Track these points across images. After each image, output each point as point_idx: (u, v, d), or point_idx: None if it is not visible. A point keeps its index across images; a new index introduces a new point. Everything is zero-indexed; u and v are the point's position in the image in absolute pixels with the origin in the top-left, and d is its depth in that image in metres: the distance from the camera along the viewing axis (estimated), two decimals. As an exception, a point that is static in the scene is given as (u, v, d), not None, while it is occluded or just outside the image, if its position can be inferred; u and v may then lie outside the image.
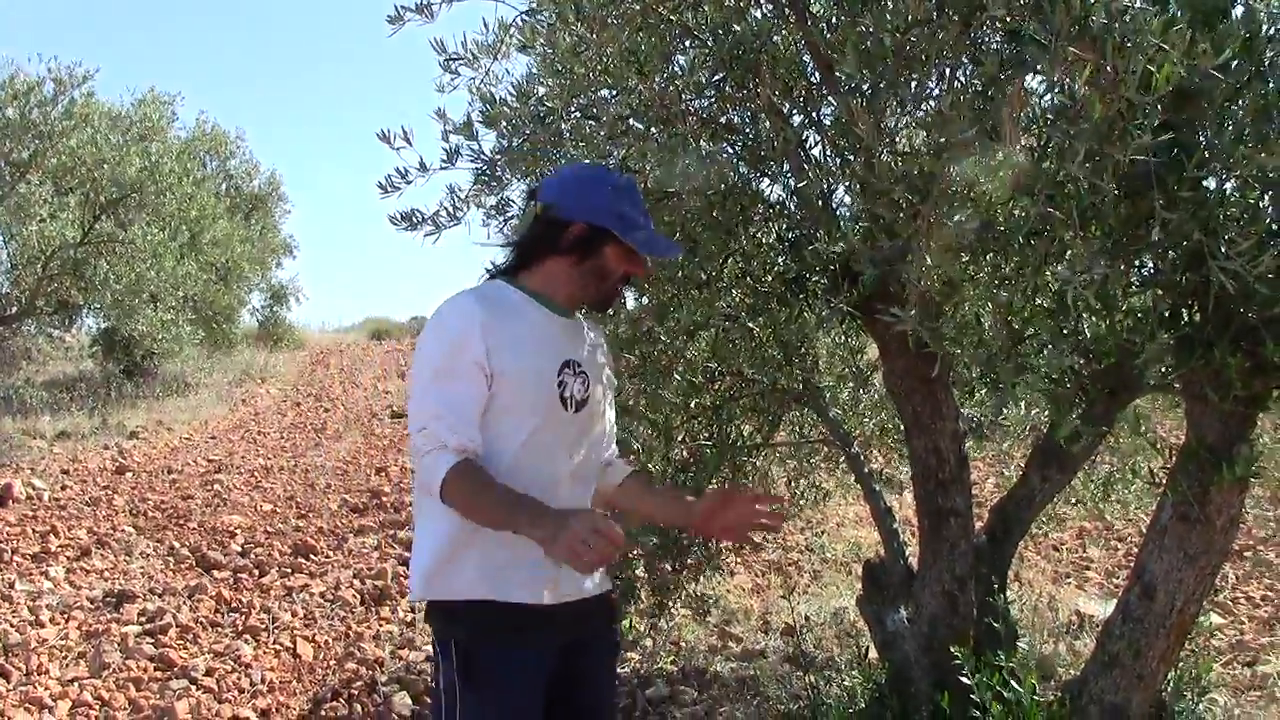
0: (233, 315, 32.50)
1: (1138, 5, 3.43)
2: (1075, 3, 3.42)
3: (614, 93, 4.79)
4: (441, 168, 4.73)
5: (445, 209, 4.74)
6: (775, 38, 4.80)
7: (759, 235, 5.10)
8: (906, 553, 6.04)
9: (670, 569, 6.83)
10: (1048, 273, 4.11)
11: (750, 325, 5.68)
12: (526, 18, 4.85)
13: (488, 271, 3.66)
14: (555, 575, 3.34)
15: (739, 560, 9.50)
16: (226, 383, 27.95)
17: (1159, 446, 6.52)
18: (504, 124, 4.93)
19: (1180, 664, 5.67)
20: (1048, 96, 3.90)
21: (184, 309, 24.76)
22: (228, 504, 13.68)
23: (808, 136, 4.97)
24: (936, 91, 4.18)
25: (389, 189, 4.79)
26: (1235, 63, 3.73)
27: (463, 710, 3.27)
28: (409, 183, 4.70)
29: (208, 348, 29.79)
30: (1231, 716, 6.37)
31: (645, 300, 5.79)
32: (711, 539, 6.40)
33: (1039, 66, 3.53)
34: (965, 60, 4.09)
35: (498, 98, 4.95)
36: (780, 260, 5.06)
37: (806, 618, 8.12)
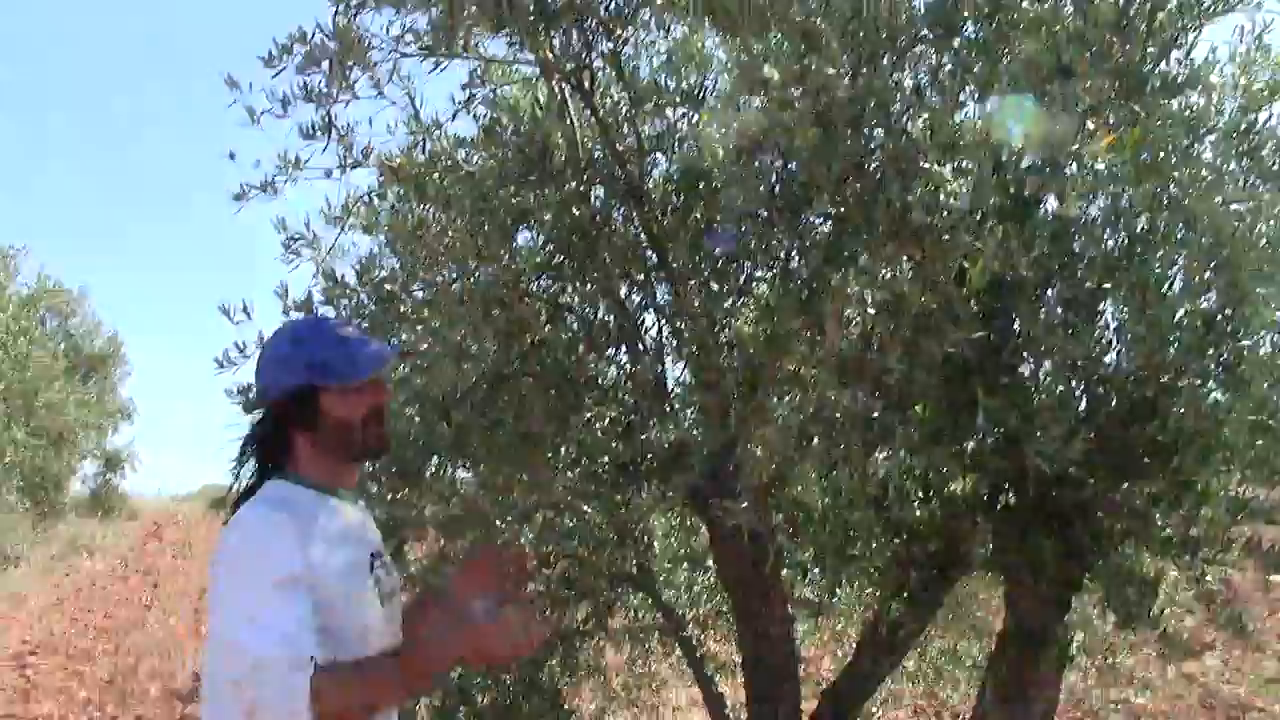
0: (62, 483, 31.28)
1: (954, 202, 3.61)
2: (896, 200, 3.60)
3: (454, 274, 4.86)
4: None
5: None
6: (614, 219, 4.93)
7: (593, 419, 5.15)
8: (739, 738, 6.03)
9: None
10: (874, 460, 4.23)
11: (585, 508, 5.71)
12: (369, 199, 4.92)
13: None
14: None
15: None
16: (50, 555, 26.84)
17: (981, 630, 6.68)
18: (344, 303, 4.97)
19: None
20: (870, 291, 4.06)
21: (9, 477, 23.79)
22: (40, 690, 13.04)
23: (643, 319, 5.09)
24: (766, 280, 4.34)
25: (225, 364, 4.77)
26: (1047, 254, 3.96)
27: None
28: (247, 358, 4.69)
29: (33, 518, 28.58)
30: None
31: (478, 481, 5.80)
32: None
33: (862, 261, 3.71)
34: (794, 252, 4.25)
35: (339, 275, 5.00)
36: (613, 445, 5.12)
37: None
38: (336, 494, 3.13)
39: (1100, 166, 3.77)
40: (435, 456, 5.37)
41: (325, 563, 2.94)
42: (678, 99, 4.13)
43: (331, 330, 3.16)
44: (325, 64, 4.43)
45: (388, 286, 4.91)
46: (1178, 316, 4.25)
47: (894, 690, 8.90)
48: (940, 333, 3.64)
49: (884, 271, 3.73)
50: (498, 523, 5.82)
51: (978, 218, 3.60)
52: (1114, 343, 4.44)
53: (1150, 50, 4.42)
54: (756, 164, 3.98)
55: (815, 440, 4.39)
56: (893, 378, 3.92)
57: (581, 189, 4.66)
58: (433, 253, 4.80)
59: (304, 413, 3.07)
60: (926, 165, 3.54)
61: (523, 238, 5.02)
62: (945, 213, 3.60)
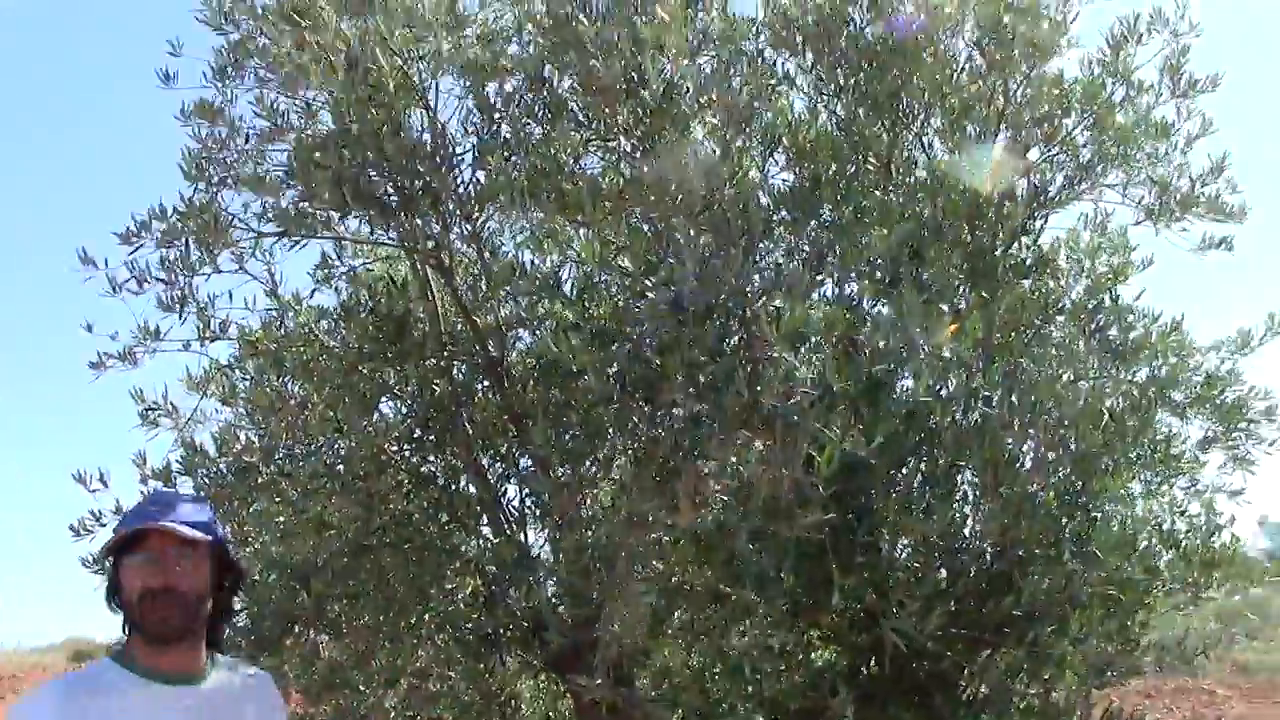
0: (-90, 636, 30.12)
1: (803, 391, 3.67)
2: (744, 389, 3.66)
3: (311, 447, 4.84)
4: (135, 512, 4.62)
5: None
6: (476, 393, 4.94)
7: (454, 590, 5.12)
8: None
9: None
10: (732, 635, 4.24)
11: (450, 674, 5.64)
12: (228, 371, 4.89)
13: None
14: None
15: None
16: (-92, 710, 25.75)
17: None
18: (202, 472, 4.90)
19: None
20: (720, 478, 4.09)
21: None
22: None
23: (505, 489, 5.09)
24: (622, 462, 4.38)
25: (81, 532, 4.68)
26: (900, 433, 4.03)
27: None
28: (103, 525, 4.60)
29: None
30: None
31: (341, 648, 5.71)
32: None
33: (712, 449, 3.76)
34: (648, 438, 4.29)
35: (198, 444, 4.93)
36: (475, 615, 5.08)
37: None
38: (160, 678, 2.79)
39: (946, 353, 3.86)
40: (296, 624, 5.27)
41: None
42: (535, 282, 4.17)
43: (146, 501, 2.98)
44: (184, 240, 4.43)
45: (246, 458, 4.83)
46: (1030, 490, 4.36)
47: None
48: (790, 517, 3.68)
49: (733, 459, 3.78)
50: (362, 688, 5.73)
51: (827, 403, 3.66)
52: (969, 518, 4.52)
53: (1000, 237, 4.58)
54: (611, 351, 4.03)
55: (674, 615, 4.40)
56: (745, 560, 3.94)
57: (442, 364, 4.67)
58: (291, 425, 4.77)
59: (112, 588, 2.84)
60: (775, 354, 3.60)
61: (385, 410, 4.99)
62: (794, 400, 3.66)
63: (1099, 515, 4.48)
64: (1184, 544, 4.60)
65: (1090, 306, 4.69)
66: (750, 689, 4.54)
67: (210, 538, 2.90)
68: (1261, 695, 20.95)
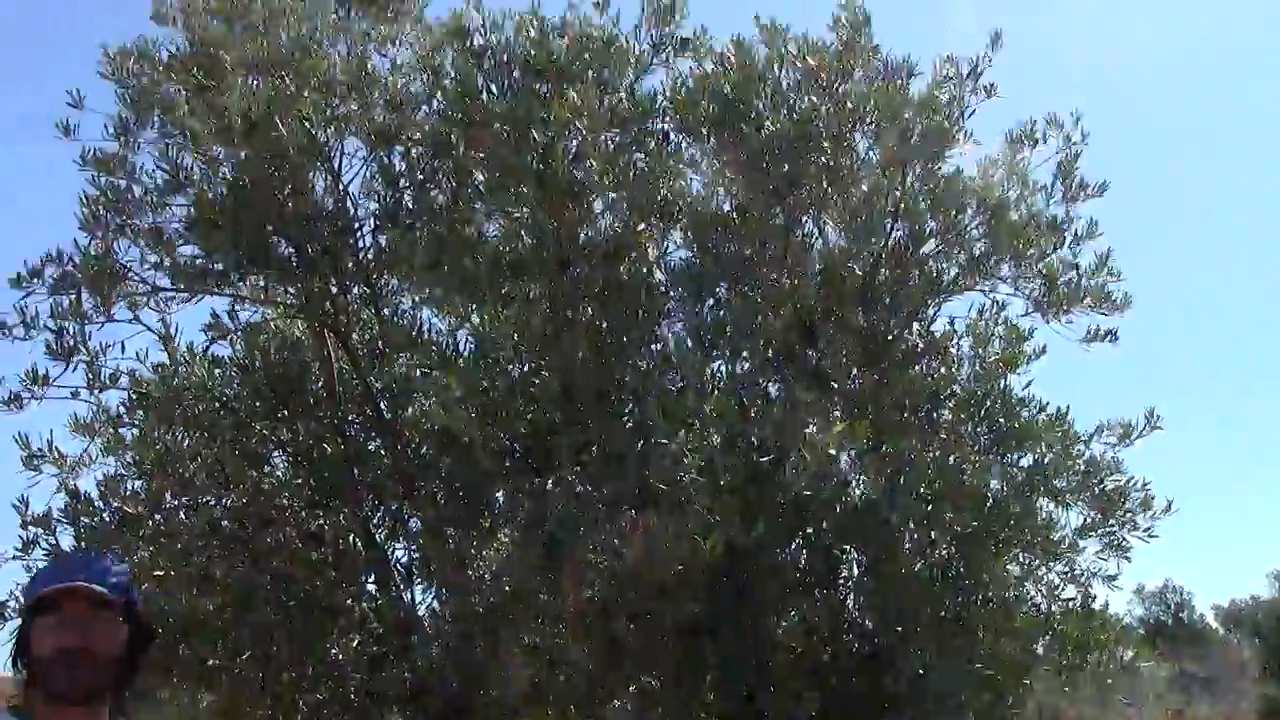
0: None
1: (691, 475, 3.71)
2: (633, 471, 3.69)
3: (198, 501, 4.78)
4: (14, 557, 4.54)
5: (17, 598, 4.53)
6: (367, 452, 4.91)
7: (336, 651, 5.07)
8: None
9: None
10: (609, 711, 4.25)
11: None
12: (117, 420, 4.81)
13: None
14: None
15: None
16: None
17: None
18: (85, 521, 4.82)
19: None
20: (604, 558, 4.11)
21: None
22: None
23: (393, 549, 5.06)
24: (510, 532, 4.39)
25: (-43, 571, 4.58)
26: (784, 518, 4.09)
27: None
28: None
29: None
30: None
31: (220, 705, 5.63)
32: None
33: (598, 528, 3.78)
34: (535, 512, 4.30)
35: (82, 491, 4.85)
36: (358, 674, 5.03)
37: None
38: None
39: (831, 450, 3.91)
40: (174, 678, 5.18)
41: None
42: (431, 351, 4.17)
43: (64, 560, 2.90)
44: (77, 288, 4.38)
45: (130, 508, 4.75)
46: (912, 570, 4.43)
47: None
48: (673, 598, 3.72)
49: (617, 540, 3.81)
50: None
51: (714, 488, 3.70)
52: (851, 598, 4.58)
53: (893, 322, 4.66)
54: (503, 425, 4.04)
55: (554, 686, 4.41)
56: (624, 642, 3.97)
57: (335, 422, 4.64)
58: (179, 478, 4.71)
59: (21, 649, 2.82)
60: (664, 441, 3.63)
61: (275, 465, 4.95)
62: (681, 483, 3.69)
63: (978, 596, 4.56)
64: (1059, 628, 4.69)
65: (979, 394, 4.78)
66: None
67: (125, 597, 2.87)
68: (1136, 760, 21.32)
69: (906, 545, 4.40)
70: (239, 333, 4.80)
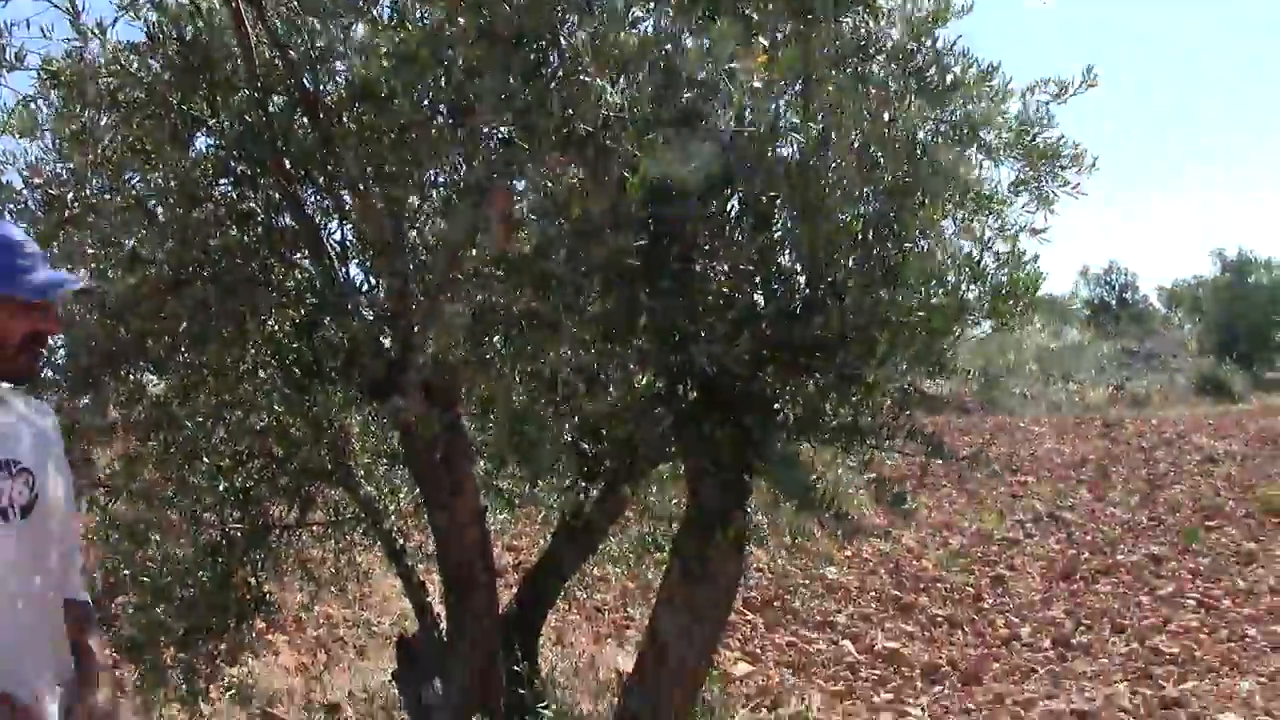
0: None
1: (617, 114, 3.67)
2: (557, 112, 3.66)
3: (124, 181, 4.72)
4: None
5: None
6: (291, 125, 4.84)
7: (273, 322, 5.10)
8: (442, 625, 6.13)
9: (205, 653, 6.67)
10: (544, 357, 4.30)
11: (276, 408, 5.67)
12: (29, 103, 4.69)
13: None
14: None
15: (284, 638, 9.34)
16: None
17: (667, 515, 6.93)
18: (10, 206, 4.78)
19: (704, 714, 6.02)
20: (532, 197, 4.10)
21: None
22: None
23: (325, 224, 5.04)
24: (439, 189, 4.37)
25: None
26: (718, 163, 4.07)
27: None
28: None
29: None
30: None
31: (165, 385, 5.70)
32: None
33: (525, 171, 3.77)
34: (463, 160, 4.27)
35: (2, 179, 4.78)
36: (295, 347, 5.08)
37: (350, 694, 8.08)
38: None
39: (757, 84, 3.86)
40: (115, 361, 5.22)
41: None
42: (344, 9, 4.05)
43: (21, 246, 2.88)
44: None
45: (53, 190, 4.69)
46: (842, 222, 4.46)
47: (602, 573, 9.21)
48: (602, 239, 3.73)
49: (547, 181, 3.80)
50: (188, 424, 5.74)
51: (641, 128, 3.67)
52: (782, 247, 4.62)
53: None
54: (422, 75, 3.97)
55: (489, 339, 4.46)
56: (558, 280, 4.00)
57: (256, 96, 4.54)
58: (100, 156, 4.63)
59: None
60: (588, 79, 3.59)
61: (199, 143, 4.87)
62: (607, 124, 3.67)
63: (910, 246, 4.60)
64: (989, 276, 4.76)
65: (909, 48, 4.72)
66: (565, 409, 4.66)
67: None
68: (1070, 430, 22.16)
69: (837, 194, 4.38)
70: (149, 5, 4.64)
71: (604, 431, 5.18)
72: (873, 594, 11.59)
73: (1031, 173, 5.02)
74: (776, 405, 4.62)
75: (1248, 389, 31.58)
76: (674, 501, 6.96)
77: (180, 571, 6.20)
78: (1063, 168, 5.06)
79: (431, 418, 4.19)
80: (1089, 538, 13.85)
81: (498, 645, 5.67)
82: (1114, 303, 46.02)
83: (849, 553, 13.08)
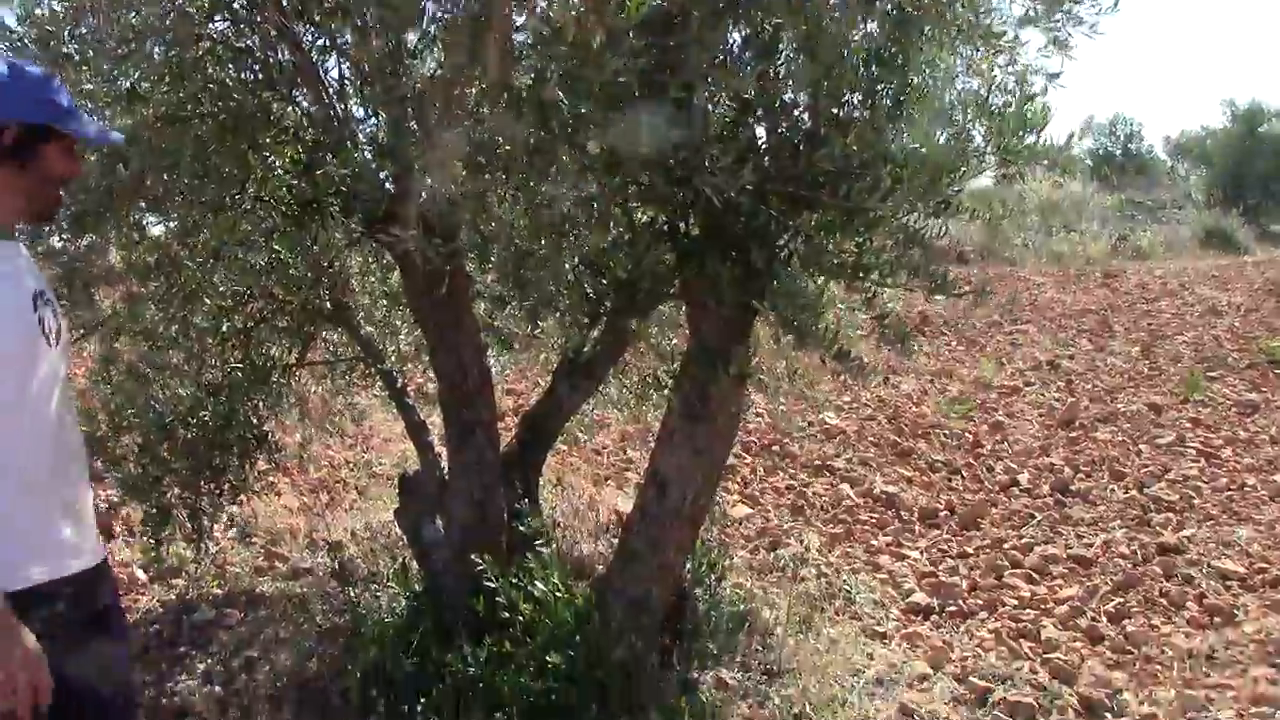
0: None
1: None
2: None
3: (122, 13, 4.64)
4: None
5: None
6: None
7: (272, 159, 5.05)
8: (442, 465, 6.18)
9: (209, 492, 6.76)
10: (544, 189, 4.25)
11: (276, 248, 5.66)
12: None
13: None
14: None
15: (285, 478, 9.42)
16: None
17: (667, 353, 6.94)
18: (3, 46, 4.73)
19: (704, 554, 6.08)
20: (528, 20, 4.01)
21: None
22: None
23: (325, 62, 4.98)
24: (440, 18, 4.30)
25: None
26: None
27: None
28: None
29: None
30: (751, 595, 6.86)
31: (169, 225, 5.68)
32: None
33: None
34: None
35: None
36: (295, 184, 5.04)
37: (352, 533, 8.19)
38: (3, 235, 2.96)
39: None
40: (115, 200, 5.20)
41: None
42: None
43: (56, 80, 2.97)
44: None
45: (49, 27, 4.63)
46: (843, 52, 4.37)
47: (602, 416, 9.25)
48: (600, 62, 3.66)
49: (543, 4, 3.73)
50: (189, 264, 5.74)
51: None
52: (786, 79, 4.54)
53: None
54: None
55: (488, 172, 4.41)
56: (554, 109, 3.94)
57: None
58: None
59: (23, 149, 2.87)
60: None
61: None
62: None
63: (916, 80, 4.53)
64: (997, 113, 4.68)
65: None
66: (565, 245, 4.63)
67: None
68: (1070, 281, 22.12)
69: (840, 21, 4.28)
70: None
71: (607, 266, 5.15)
72: (871, 439, 11.64)
73: (1043, 8, 4.92)
74: (780, 240, 4.58)
75: (1254, 241, 31.39)
76: (674, 343, 6.98)
77: (183, 411, 6.25)
78: (1075, 3, 4.96)
79: (427, 248, 4.16)
80: (1089, 386, 13.87)
81: (498, 483, 5.71)
82: (1118, 154, 45.65)
83: (848, 398, 13.14)
